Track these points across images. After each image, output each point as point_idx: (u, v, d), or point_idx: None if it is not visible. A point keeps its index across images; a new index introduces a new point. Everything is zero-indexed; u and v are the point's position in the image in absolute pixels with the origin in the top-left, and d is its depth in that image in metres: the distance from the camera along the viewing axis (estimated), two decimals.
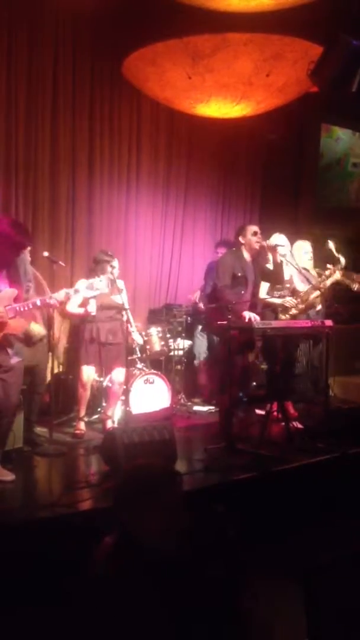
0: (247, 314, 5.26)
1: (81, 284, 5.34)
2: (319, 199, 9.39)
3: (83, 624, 1.91)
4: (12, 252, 4.22)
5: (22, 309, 4.23)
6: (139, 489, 2.00)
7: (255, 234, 5.64)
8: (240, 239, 5.67)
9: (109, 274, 5.52)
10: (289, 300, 5.70)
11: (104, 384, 5.88)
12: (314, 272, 6.29)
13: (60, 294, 4.57)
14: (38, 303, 4.40)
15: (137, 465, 2.19)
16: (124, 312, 5.53)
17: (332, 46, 5.12)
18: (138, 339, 6.05)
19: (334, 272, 5.82)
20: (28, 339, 4.78)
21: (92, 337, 5.55)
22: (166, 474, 2.11)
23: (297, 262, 6.18)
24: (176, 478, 2.12)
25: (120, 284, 5.75)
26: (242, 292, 5.52)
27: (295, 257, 6.27)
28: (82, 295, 5.38)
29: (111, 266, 5.58)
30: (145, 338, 6.44)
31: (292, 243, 6.25)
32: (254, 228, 5.72)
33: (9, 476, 4.23)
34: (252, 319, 5.18)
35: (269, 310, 5.77)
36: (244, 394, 5.95)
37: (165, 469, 2.17)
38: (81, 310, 5.49)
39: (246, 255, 5.64)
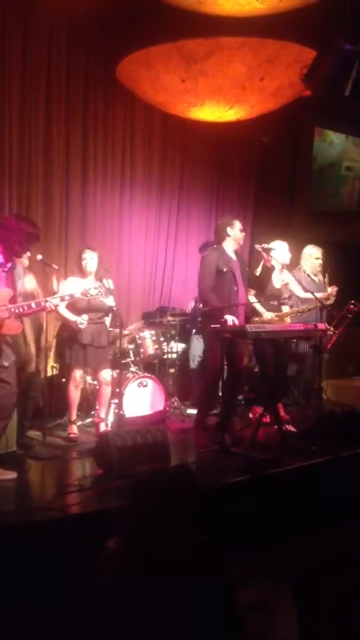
0: (229, 318, 5.10)
1: (74, 283, 5.34)
2: (313, 202, 9.41)
3: (89, 627, 1.91)
4: (23, 245, 4.26)
5: (16, 311, 4.24)
6: (160, 494, 1.99)
7: (241, 230, 5.52)
8: (228, 230, 5.45)
9: (86, 266, 5.49)
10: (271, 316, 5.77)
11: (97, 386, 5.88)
12: (320, 278, 6.39)
13: (56, 299, 4.58)
14: (33, 306, 4.41)
15: (155, 470, 2.18)
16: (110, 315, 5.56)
17: (326, 50, 5.13)
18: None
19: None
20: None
21: (76, 338, 5.47)
22: (185, 477, 2.11)
23: (305, 269, 6.23)
24: (195, 480, 2.12)
25: (109, 283, 5.70)
26: (235, 288, 5.36)
27: (306, 263, 6.29)
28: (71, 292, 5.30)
29: (84, 258, 5.52)
30: (139, 341, 6.45)
31: (300, 249, 6.28)
32: (240, 224, 5.56)
33: (11, 474, 4.26)
34: (234, 322, 5.08)
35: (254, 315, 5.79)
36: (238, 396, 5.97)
37: (183, 471, 2.16)
38: (70, 317, 5.43)
39: (229, 251, 5.45)
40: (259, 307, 5.86)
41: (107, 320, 5.72)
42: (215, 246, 5.64)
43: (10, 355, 4.26)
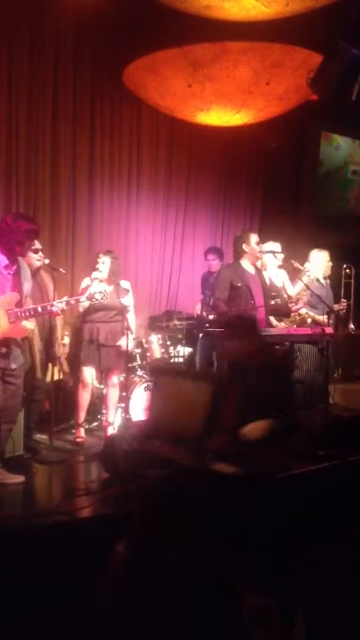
0: None
1: (86, 287, 5.36)
2: (319, 206, 9.41)
3: (96, 632, 1.91)
4: (23, 244, 4.23)
5: (22, 315, 4.24)
6: (170, 499, 1.99)
7: (258, 243, 5.48)
8: (244, 247, 5.46)
9: (98, 269, 5.49)
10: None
11: (104, 391, 5.88)
12: (328, 281, 6.40)
13: (62, 303, 4.59)
14: (39, 309, 4.42)
15: (165, 474, 2.18)
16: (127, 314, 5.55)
17: (332, 54, 5.13)
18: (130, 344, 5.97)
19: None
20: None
21: (92, 337, 5.48)
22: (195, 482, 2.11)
23: (316, 273, 6.20)
24: (205, 486, 2.12)
25: (126, 284, 5.71)
26: (252, 302, 5.35)
27: (316, 267, 6.27)
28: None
29: (97, 262, 5.53)
30: (146, 345, 6.45)
31: (307, 253, 6.28)
32: (256, 237, 5.53)
33: (18, 478, 4.26)
34: None
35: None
36: None
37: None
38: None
39: (246, 265, 5.44)
40: (271, 318, 5.86)
41: (132, 318, 5.72)
42: (231, 261, 5.66)
43: (18, 357, 4.27)
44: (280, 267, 5.85)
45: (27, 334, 4.79)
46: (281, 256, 6.01)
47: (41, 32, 6.40)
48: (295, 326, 5.90)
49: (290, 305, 5.97)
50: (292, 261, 6.02)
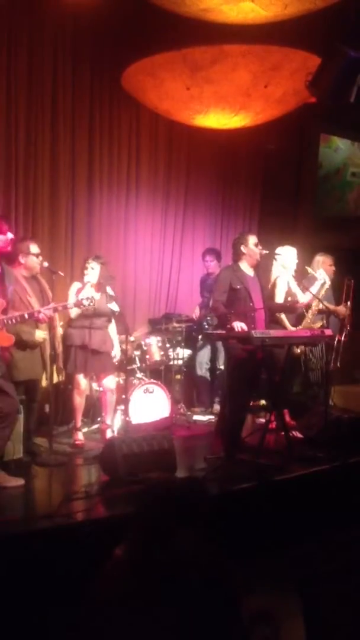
0: (237, 325, 5.10)
1: (77, 290, 5.38)
2: (318, 208, 9.41)
3: (94, 635, 1.90)
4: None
5: (9, 322, 4.21)
6: (169, 503, 1.99)
7: (256, 244, 5.41)
8: (242, 248, 5.39)
9: (87, 274, 5.51)
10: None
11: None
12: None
13: (49, 310, 4.59)
14: (26, 316, 4.41)
15: (164, 478, 2.18)
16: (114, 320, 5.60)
17: (330, 57, 5.14)
18: (117, 351, 5.89)
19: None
20: (32, 346, 4.82)
21: (84, 343, 5.47)
22: (194, 485, 2.11)
23: (324, 275, 6.17)
24: (204, 489, 2.12)
25: (110, 290, 5.71)
26: (251, 304, 5.33)
27: (321, 270, 6.25)
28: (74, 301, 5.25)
29: (86, 267, 5.55)
30: (145, 348, 6.46)
31: (306, 255, 6.28)
32: (254, 238, 5.47)
33: (19, 481, 4.28)
34: (241, 329, 5.07)
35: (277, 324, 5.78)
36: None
37: (192, 480, 2.16)
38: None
39: (245, 268, 5.40)
40: (286, 322, 5.86)
41: (112, 326, 5.74)
42: (230, 264, 5.65)
43: (1, 366, 4.22)
44: (294, 275, 5.87)
45: (40, 343, 4.83)
46: (294, 262, 6.01)
47: (41, 34, 6.40)
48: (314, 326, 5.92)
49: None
50: (308, 269, 6.05)
